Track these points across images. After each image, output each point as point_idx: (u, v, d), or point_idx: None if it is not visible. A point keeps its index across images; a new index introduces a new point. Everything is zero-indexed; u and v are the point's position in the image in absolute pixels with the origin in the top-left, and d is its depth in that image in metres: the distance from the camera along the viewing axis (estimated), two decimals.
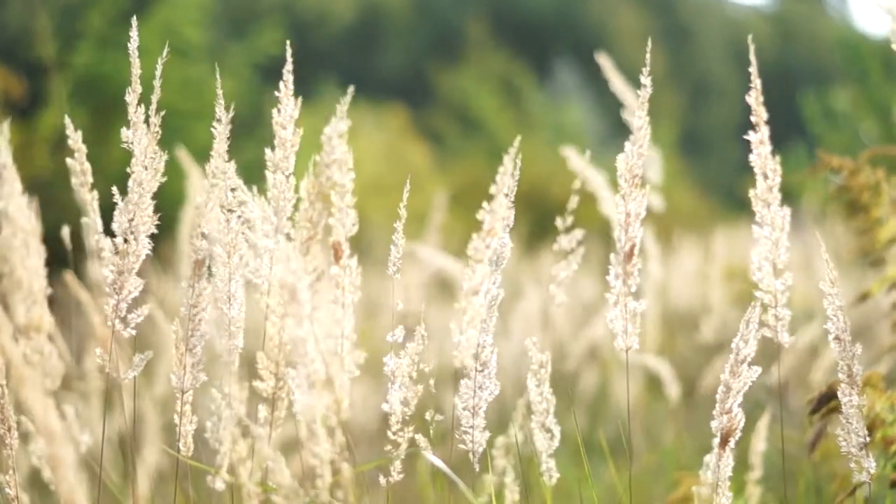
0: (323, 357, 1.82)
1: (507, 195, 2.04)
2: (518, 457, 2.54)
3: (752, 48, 2.10)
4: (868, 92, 10.04)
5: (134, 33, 2.06)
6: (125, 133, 2.07)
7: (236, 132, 2.11)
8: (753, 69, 2.08)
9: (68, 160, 2.19)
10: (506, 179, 2.03)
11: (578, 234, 2.60)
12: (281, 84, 2.06)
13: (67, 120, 2.15)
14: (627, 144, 2.10)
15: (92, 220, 2.09)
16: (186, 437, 2.09)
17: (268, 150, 2.06)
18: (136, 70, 2.06)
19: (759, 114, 2.09)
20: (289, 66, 2.06)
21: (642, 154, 2.10)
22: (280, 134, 2.08)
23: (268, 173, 2.08)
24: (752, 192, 2.09)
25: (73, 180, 2.19)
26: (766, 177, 2.09)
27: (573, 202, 2.62)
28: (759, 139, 2.09)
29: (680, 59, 34.29)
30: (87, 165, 2.18)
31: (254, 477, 1.78)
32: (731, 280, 5.57)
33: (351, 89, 2.13)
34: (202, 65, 10.74)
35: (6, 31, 12.36)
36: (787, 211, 2.10)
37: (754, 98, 2.08)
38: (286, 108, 2.08)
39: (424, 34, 33.72)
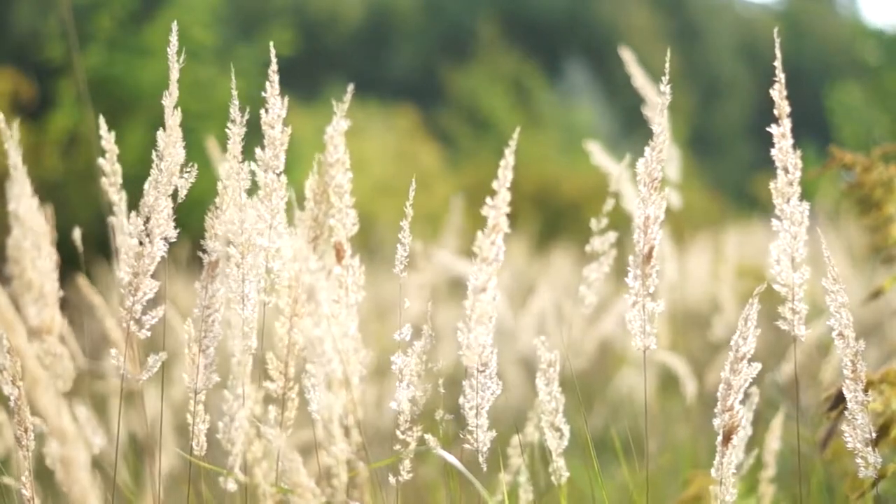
0: (340, 357, 1.82)
1: (509, 189, 2.04)
2: (532, 456, 2.54)
3: (777, 42, 2.09)
4: (883, 85, 10.02)
5: (174, 39, 2.09)
6: (161, 136, 2.09)
7: (246, 132, 2.13)
8: (778, 62, 2.07)
9: (99, 161, 2.22)
10: (507, 173, 2.02)
11: (611, 236, 2.60)
12: (267, 85, 2.09)
13: (101, 121, 2.19)
14: (647, 149, 2.09)
15: (119, 220, 2.11)
16: (199, 437, 2.10)
17: (258, 150, 2.09)
18: (174, 75, 2.10)
19: (782, 107, 2.08)
20: (274, 67, 2.10)
21: (662, 159, 2.09)
22: (269, 133, 2.11)
23: (259, 172, 2.10)
24: (772, 185, 2.08)
25: (103, 181, 2.21)
26: (786, 171, 2.08)
27: (609, 204, 2.63)
28: (781, 132, 2.08)
29: (691, 58, 34.24)
30: (118, 167, 2.22)
31: (269, 477, 1.77)
32: (743, 278, 5.55)
33: (350, 87, 2.14)
34: (211, 66, 10.76)
35: (16, 33, 12.40)
36: (806, 206, 2.09)
37: (777, 92, 2.07)
38: (273, 108, 2.11)
39: (435, 34, 33.71)
